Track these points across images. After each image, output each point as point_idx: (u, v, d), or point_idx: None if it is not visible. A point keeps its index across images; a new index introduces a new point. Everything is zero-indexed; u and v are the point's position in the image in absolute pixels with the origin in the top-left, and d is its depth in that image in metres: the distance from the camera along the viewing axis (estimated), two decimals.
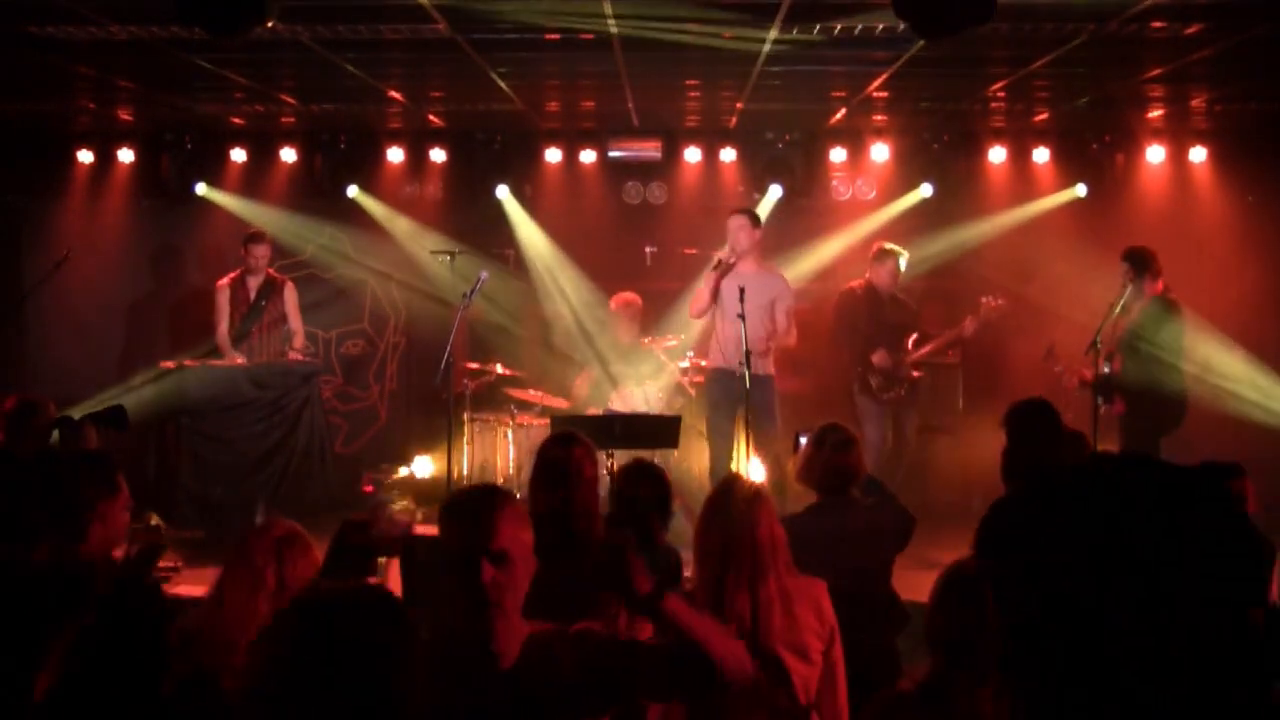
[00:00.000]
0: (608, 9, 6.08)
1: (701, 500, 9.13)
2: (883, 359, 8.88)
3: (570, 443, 4.23)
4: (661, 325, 9.71)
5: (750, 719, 3.52)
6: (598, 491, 4.14)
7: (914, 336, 9.01)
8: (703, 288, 8.19)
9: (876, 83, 8.05)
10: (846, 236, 10.17)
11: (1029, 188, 10.13)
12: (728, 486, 3.78)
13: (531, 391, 9.28)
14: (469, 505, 2.74)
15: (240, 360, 9.02)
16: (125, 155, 10.27)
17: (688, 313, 8.55)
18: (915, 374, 9.06)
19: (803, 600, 3.64)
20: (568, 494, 4.02)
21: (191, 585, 4.02)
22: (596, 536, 4.07)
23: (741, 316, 7.75)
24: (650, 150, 10.16)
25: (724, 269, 8.10)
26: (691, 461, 9.24)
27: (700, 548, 3.67)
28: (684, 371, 9.23)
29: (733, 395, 7.88)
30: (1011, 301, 8.88)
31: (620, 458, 7.63)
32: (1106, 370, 7.85)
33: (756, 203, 10.25)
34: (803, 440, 5.49)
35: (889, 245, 8.96)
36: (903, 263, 8.89)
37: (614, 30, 6.53)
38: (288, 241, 10.31)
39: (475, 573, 2.62)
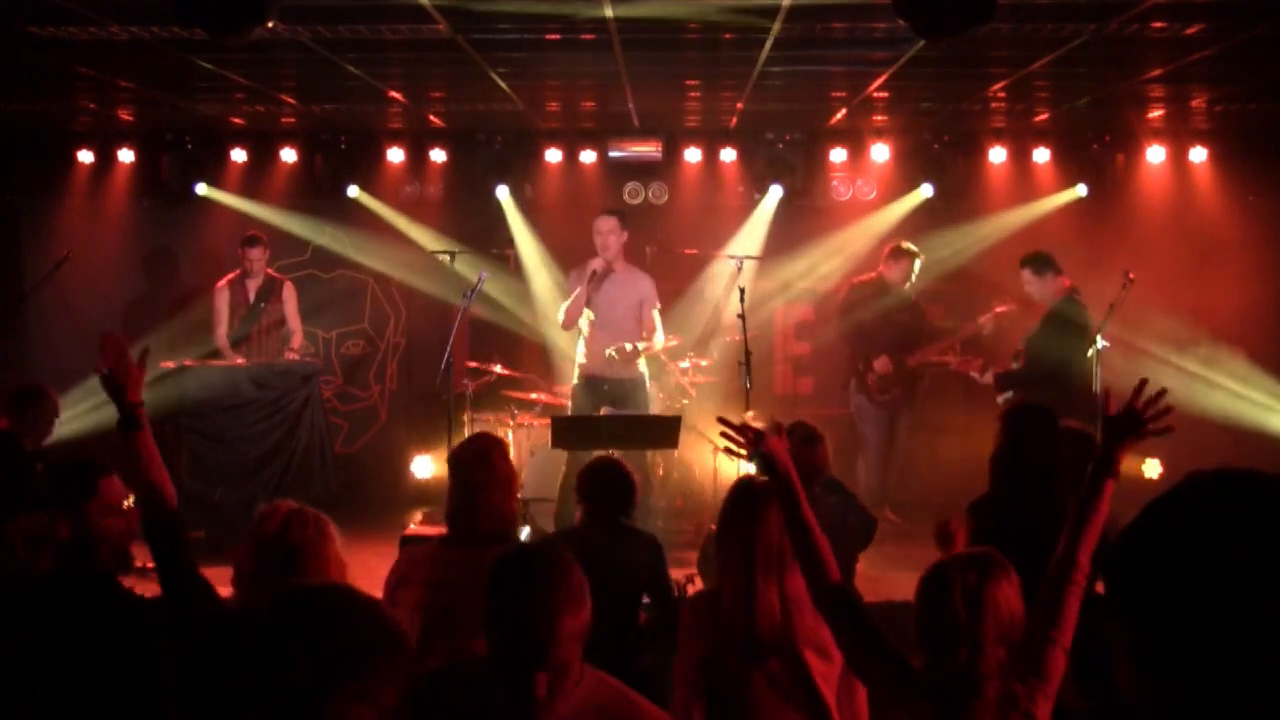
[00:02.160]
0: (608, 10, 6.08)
1: (701, 500, 9.17)
2: (885, 365, 8.87)
3: (477, 441, 4.28)
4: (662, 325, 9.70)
5: (774, 715, 3.51)
6: (514, 488, 4.15)
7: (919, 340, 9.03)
8: (577, 299, 8.15)
9: (876, 83, 8.04)
10: (847, 238, 10.17)
11: (1029, 188, 10.13)
12: (747, 486, 3.77)
13: (532, 393, 9.28)
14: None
15: (240, 360, 9.02)
16: (125, 155, 10.26)
17: (561, 324, 8.38)
18: (918, 376, 9.06)
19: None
20: (484, 491, 4.01)
21: None
22: (510, 532, 4.10)
23: (741, 316, 7.75)
24: (650, 150, 10.15)
25: (600, 278, 8.12)
26: (692, 461, 9.24)
27: (725, 548, 3.66)
28: (684, 372, 9.23)
29: (601, 401, 8.05)
30: (1015, 304, 8.88)
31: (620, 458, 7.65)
32: (1015, 366, 7.99)
33: (758, 203, 10.27)
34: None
35: (906, 244, 8.95)
36: (918, 264, 8.90)
37: (609, 14, 6.51)
38: (288, 242, 10.31)
39: None
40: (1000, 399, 7.81)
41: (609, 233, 8.17)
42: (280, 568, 3.20)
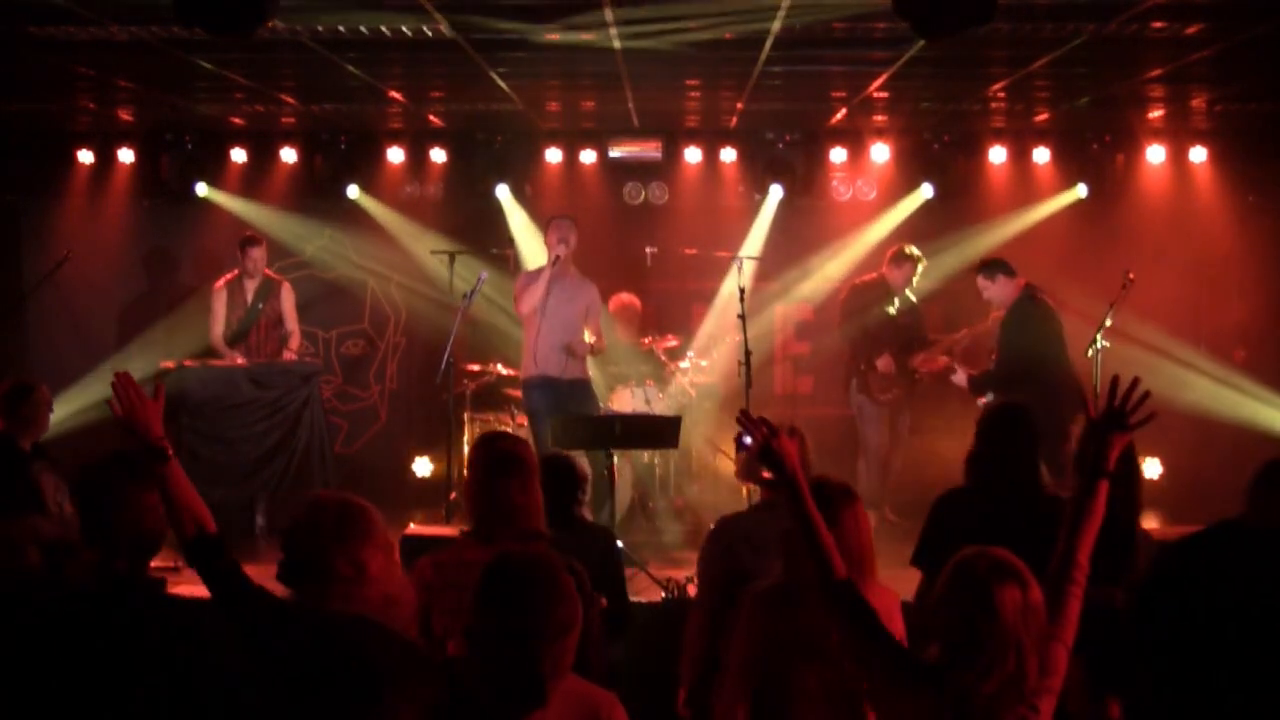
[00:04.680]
0: (609, 16, 6.08)
1: (701, 500, 9.16)
2: (887, 365, 8.87)
3: (508, 437, 4.18)
4: (662, 325, 9.71)
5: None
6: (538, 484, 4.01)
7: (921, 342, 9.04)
8: (537, 288, 8.13)
9: (876, 83, 8.05)
10: (848, 241, 10.17)
11: (1029, 188, 10.13)
12: (824, 484, 3.66)
13: None
14: None
15: (240, 360, 9.02)
16: (125, 155, 10.25)
17: (522, 310, 8.34)
18: (916, 378, 9.06)
19: (880, 611, 3.60)
20: (518, 485, 3.90)
21: (192, 585, 4.01)
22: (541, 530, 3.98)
23: (741, 316, 7.75)
24: (650, 150, 10.15)
25: (560, 270, 8.16)
26: (691, 461, 9.24)
27: (795, 547, 3.63)
28: (684, 371, 9.23)
29: (556, 403, 7.97)
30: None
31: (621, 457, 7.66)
32: (992, 368, 8.06)
33: (758, 203, 10.27)
34: (745, 439, 5.53)
35: (909, 249, 8.96)
36: (920, 268, 8.92)
37: (617, 45, 6.56)
38: (288, 242, 10.31)
39: None
40: (980, 402, 7.83)
41: (569, 230, 8.23)
42: (332, 562, 3.14)
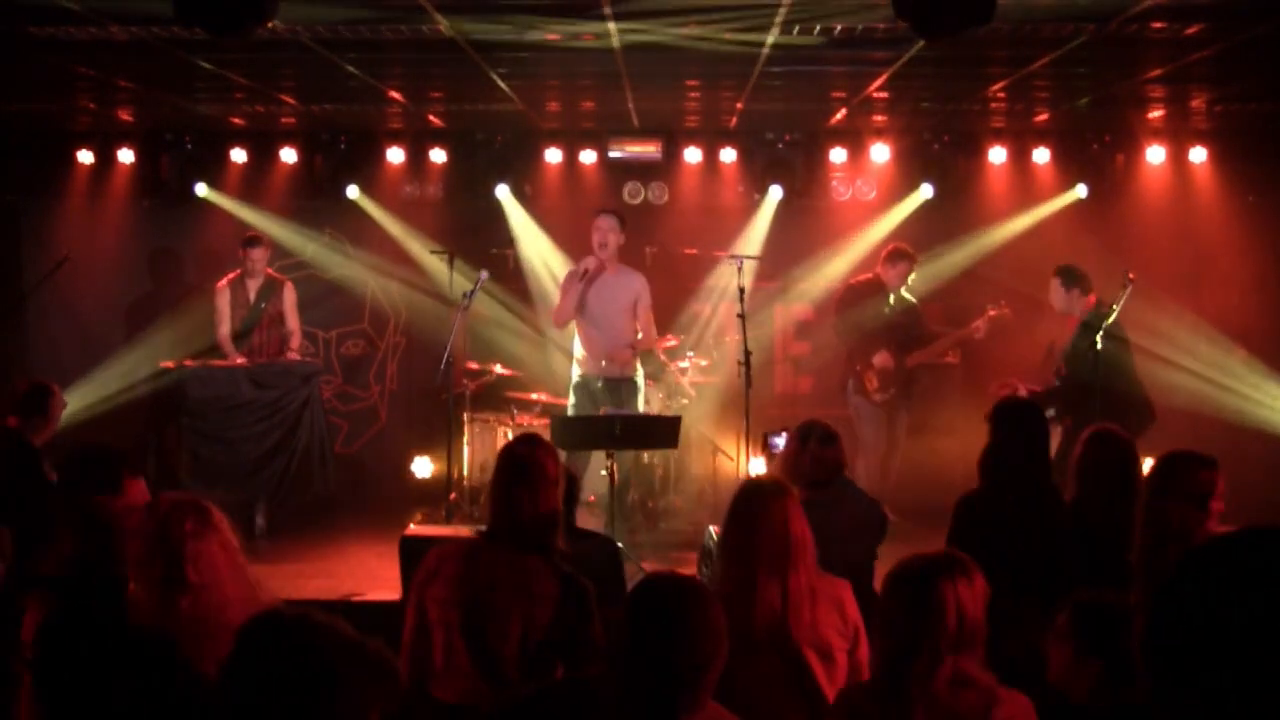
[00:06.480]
0: (608, 10, 6.08)
1: (701, 500, 9.17)
2: (885, 361, 8.87)
3: (534, 443, 4.11)
4: (661, 325, 9.71)
5: (765, 713, 3.52)
6: (559, 494, 3.97)
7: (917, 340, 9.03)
8: (567, 298, 8.13)
9: (876, 83, 8.05)
10: (848, 241, 10.16)
11: (1029, 188, 10.13)
12: (757, 484, 3.87)
13: (532, 395, 9.26)
14: None
15: (241, 360, 9.02)
16: (125, 155, 10.26)
17: (552, 323, 8.38)
18: (913, 379, 9.07)
19: (826, 599, 3.68)
20: (532, 494, 3.87)
21: None
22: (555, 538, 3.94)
23: (741, 316, 7.75)
24: (650, 150, 10.15)
25: (591, 277, 8.09)
26: (691, 461, 9.24)
27: (730, 543, 3.71)
28: (683, 372, 9.23)
29: (595, 400, 8.02)
30: (1012, 303, 8.88)
31: (620, 458, 7.66)
32: (1058, 382, 7.90)
33: (758, 203, 10.27)
34: (774, 440, 5.53)
35: (903, 247, 8.96)
36: (915, 266, 8.92)
37: (616, 45, 6.55)
38: (288, 242, 10.32)
39: None
40: (1049, 413, 7.78)
41: (608, 231, 8.18)
42: (165, 562, 3.20)
